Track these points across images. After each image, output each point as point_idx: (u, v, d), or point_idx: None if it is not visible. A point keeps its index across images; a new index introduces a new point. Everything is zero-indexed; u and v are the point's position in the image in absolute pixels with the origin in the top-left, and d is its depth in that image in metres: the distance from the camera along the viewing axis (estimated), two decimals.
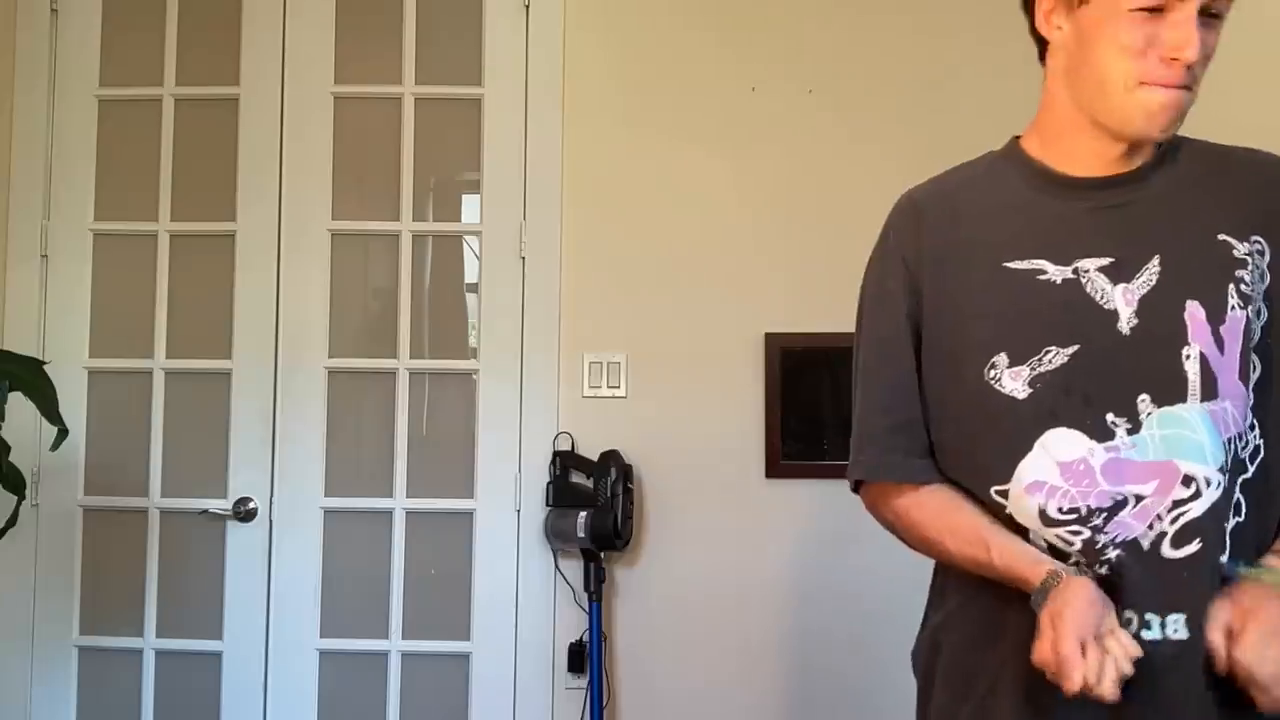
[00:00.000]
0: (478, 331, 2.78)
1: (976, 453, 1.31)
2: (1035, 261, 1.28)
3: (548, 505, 2.67)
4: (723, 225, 2.74)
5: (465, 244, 2.85)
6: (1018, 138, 1.39)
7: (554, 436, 2.71)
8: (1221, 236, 1.26)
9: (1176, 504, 1.21)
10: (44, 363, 2.32)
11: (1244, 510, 1.23)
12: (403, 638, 2.73)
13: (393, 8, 2.82)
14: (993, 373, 1.27)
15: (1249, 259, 1.26)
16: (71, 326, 2.80)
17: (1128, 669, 1.13)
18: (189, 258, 2.83)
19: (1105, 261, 1.26)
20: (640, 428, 2.71)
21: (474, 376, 2.78)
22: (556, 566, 2.70)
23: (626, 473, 2.62)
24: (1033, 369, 1.25)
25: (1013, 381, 1.26)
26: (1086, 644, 1.13)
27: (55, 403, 2.21)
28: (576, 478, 2.66)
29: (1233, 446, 1.22)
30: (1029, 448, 1.26)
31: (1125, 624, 1.20)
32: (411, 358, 2.78)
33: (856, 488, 1.46)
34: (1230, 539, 1.22)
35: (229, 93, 2.82)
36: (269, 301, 2.78)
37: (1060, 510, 1.24)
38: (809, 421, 2.70)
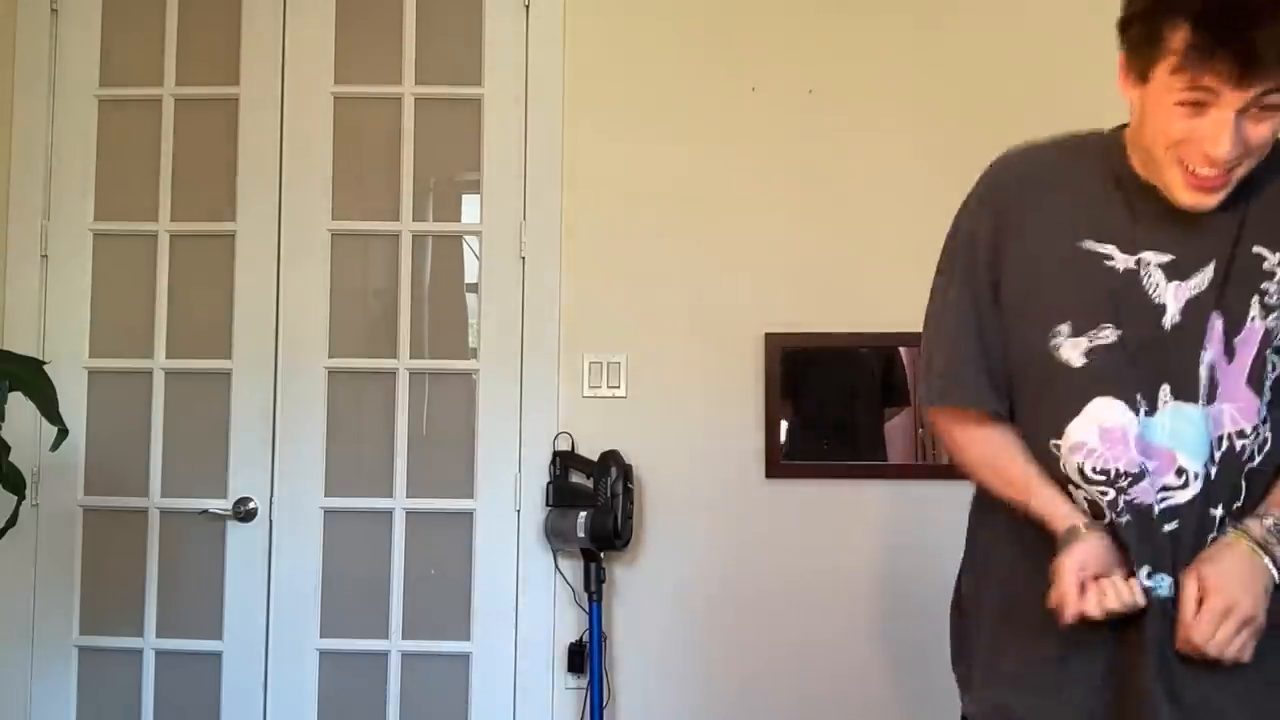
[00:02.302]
0: (478, 331, 2.78)
1: (1035, 407, 1.46)
2: (1106, 246, 1.40)
3: (548, 505, 2.67)
4: (722, 225, 2.74)
5: (465, 244, 2.85)
6: (1123, 127, 1.45)
7: (554, 436, 2.71)
8: (1256, 249, 1.38)
9: (1165, 487, 1.38)
10: (44, 363, 2.32)
11: (1242, 495, 1.39)
12: (403, 638, 2.73)
13: (393, 8, 2.82)
14: (1055, 340, 1.41)
15: (1278, 270, 1.38)
16: (71, 326, 2.80)
17: (1114, 605, 1.32)
18: (189, 258, 2.83)
19: (1166, 259, 1.39)
20: (640, 428, 2.71)
21: (474, 376, 2.78)
22: (556, 566, 2.70)
23: (626, 473, 2.62)
24: (1090, 340, 1.40)
25: (1071, 350, 1.40)
26: (1086, 584, 1.33)
27: (55, 403, 2.20)
28: (576, 478, 2.66)
29: (1226, 443, 1.38)
30: (1078, 411, 1.41)
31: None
32: (411, 358, 2.78)
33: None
34: (1224, 523, 1.38)
35: (229, 93, 2.82)
36: (269, 301, 2.78)
37: (1094, 470, 1.40)
38: (809, 421, 2.71)
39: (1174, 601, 1.36)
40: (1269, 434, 1.40)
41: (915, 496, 2.64)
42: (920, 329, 1.57)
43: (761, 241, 2.73)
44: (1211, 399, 1.37)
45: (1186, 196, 1.34)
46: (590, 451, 2.68)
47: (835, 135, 2.74)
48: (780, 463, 2.68)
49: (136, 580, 2.76)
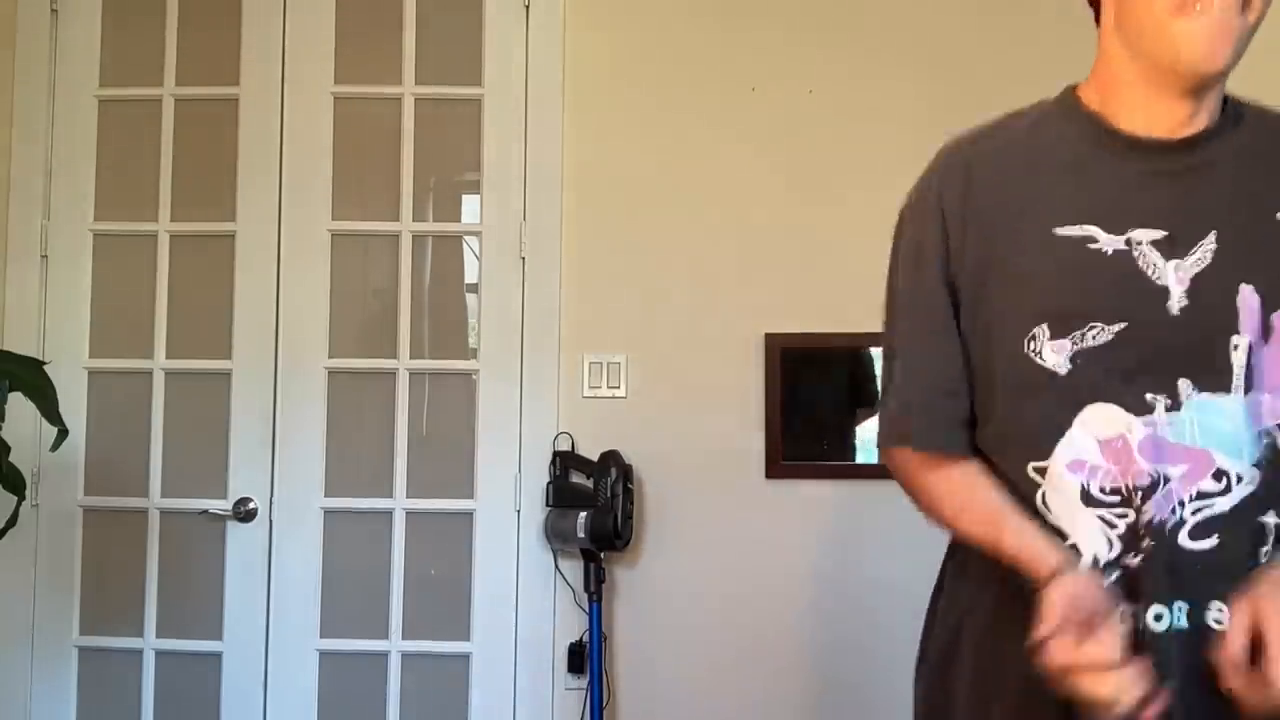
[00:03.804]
0: (478, 331, 2.78)
1: (1015, 426, 1.25)
2: (1086, 228, 1.20)
3: (548, 505, 2.67)
4: (723, 225, 2.74)
5: (465, 244, 2.85)
6: (1073, 87, 1.30)
7: (554, 436, 2.71)
8: None
9: (1201, 495, 1.16)
10: (44, 363, 2.32)
11: None
12: (403, 638, 2.73)
13: (393, 8, 2.82)
14: (1033, 344, 1.20)
15: None
16: (71, 326, 2.80)
17: (1103, 691, 1.07)
18: (189, 258, 2.83)
19: (1158, 234, 1.18)
20: (640, 428, 2.71)
21: (474, 376, 2.78)
22: (556, 566, 2.70)
23: (626, 473, 2.62)
24: (1075, 344, 1.19)
25: (1054, 355, 1.19)
26: (1077, 625, 1.09)
27: (55, 403, 2.20)
28: (576, 478, 2.66)
29: (1267, 439, 1.18)
30: (1069, 424, 1.20)
31: (1144, 617, 1.15)
32: (411, 358, 2.78)
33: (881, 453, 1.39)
34: (1276, 531, 1.18)
35: (229, 93, 2.82)
36: (269, 301, 2.78)
37: (1103, 490, 1.19)
38: (809, 421, 2.70)
39: (1196, 633, 1.14)
40: None
41: None
42: None
43: (761, 241, 2.73)
44: (1252, 386, 1.16)
45: (1199, 49, 1.13)
46: (590, 451, 2.67)
47: (835, 135, 2.74)
48: (780, 463, 2.68)
49: (136, 580, 2.76)
